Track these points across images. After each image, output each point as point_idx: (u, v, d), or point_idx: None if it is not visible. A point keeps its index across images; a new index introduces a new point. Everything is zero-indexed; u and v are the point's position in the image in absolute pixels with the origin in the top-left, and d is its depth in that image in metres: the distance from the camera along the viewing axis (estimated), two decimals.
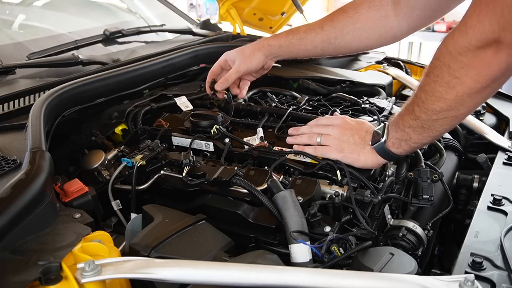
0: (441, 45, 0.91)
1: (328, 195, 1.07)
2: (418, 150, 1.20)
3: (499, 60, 0.83)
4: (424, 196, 1.07)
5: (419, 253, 1.01)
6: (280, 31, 2.57)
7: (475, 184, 1.31)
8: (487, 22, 0.80)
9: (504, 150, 1.29)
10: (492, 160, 1.27)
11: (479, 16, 0.81)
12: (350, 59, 1.98)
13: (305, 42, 1.34)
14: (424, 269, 1.10)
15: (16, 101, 1.34)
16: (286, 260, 0.91)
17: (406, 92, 1.77)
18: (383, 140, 1.05)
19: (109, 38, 1.83)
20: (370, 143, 1.08)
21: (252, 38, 2.17)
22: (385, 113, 1.39)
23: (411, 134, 1.01)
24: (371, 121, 1.30)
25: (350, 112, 1.39)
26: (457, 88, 0.89)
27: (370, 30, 1.29)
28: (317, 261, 0.92)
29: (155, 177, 1.14)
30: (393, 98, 1.55)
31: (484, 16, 0.81)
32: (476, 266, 0.83)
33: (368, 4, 1.28)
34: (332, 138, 1.13)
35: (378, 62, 1.91)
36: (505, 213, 1.00)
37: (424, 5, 1.21)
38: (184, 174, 1.11)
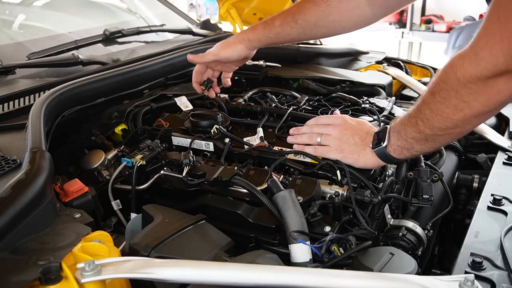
0: (447, 68, 0.90)
1: (328, 195, 1.07)
2: None
3: (510, 87, 0.83)
4: (424, 196, 1.06)
5: (419, 253, 1.01)
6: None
7: (475, 184, 1.31)
8: (501, 56, 0.80)
9: (504, 150, 1.29)
10: (492, 160, 1.27)
11: (493, 50, 0.81)
12: (350, 59, 1.98)
13: (282, 35, 1.36)
14: (424, 269, 1.10)
15: (16, 101, 1.34)
16: (286, 260, 0.91)
17: (406, 92, 1.77)
18: (384, 145, 1.05)
19: (109, 38, 1.83)
20: (371, 145, 1.08)
21: None
22: (385, 113, 1.39)
23: (413, 145, 1.02)
24: (371, 121, 1.30)
25: (350, 112, 1.39)
26: (465, 111, 0.90)
27: (344, 22, 1.32)
28: (317, 261, 0.92)
29: (155, 177, 1.14)
30: (393, 98, 1.55)
31: (498, 51, 0.80)
32: (476, 266, 0.83)
33: None
34: (332, 138, 1.13)
35: (378, 62, 1.91)
36: (505, 213, 1.00)
37: None
38: (184, 174, 1.11)
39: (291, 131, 1.25)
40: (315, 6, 1.31)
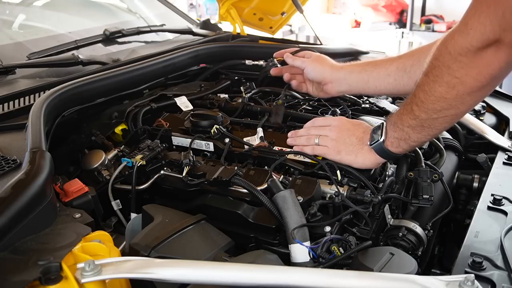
0: (440, 45, 0.91)
1: (328, 195, 1.07)
2: (418, 150, 1.20)
3: (499, 58, 0.84)
4: (424, 196, 1.06)
5: (419, 253, 1.01)
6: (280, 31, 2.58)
7: (475, 184, 1.31)
8: (489, 23, 0.81)
9: (504, 150, 1.29)
10: (492, 160, 1.27)
11: (480, 17, 0.82)
12: (350, 59, 1.98)
13: (378, 69, 1.26)
14: (424, 269, 1.10)
15: (16, 101, 1.34)
16: (286, 260, 0.91)
17: None
18: (381, 140, 1.05)
19: (109, 38, 1.83)
20: (368, 143, 1.08)
21: (252, 38, 2.17)
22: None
23: (410, 134, 1.01)
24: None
25: (350, 112, 1.38)
26: (457, 88, 0.90)
27: None
28: (317, 261, 0.92)
29: (155, 177, 1.14)
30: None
31: (485, 18, 0.81)
32: (476, 266, 0.83)
33: None
34: (329, 139, 1.13)
35: None
36: (505, 213, 1.00)
37: None
38: (184, 174, 1.11)
39: (290, 134, 1.25)
40: (425, 46, 1.24)
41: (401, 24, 6.66)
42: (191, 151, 1.17)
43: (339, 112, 1.38)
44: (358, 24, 7.10)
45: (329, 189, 1.07)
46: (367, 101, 1.46)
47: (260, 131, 1.29)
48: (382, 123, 1.08)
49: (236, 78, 1.82)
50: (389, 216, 1.05)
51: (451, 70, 0.89)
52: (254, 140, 1.27)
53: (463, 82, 0.89)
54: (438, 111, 0.95)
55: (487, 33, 0.81)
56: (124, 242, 0.98)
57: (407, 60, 1.24)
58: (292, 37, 6.30)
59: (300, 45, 1.95)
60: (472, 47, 0.84)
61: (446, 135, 1.40)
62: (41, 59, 1.59)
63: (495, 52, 0.83)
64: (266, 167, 1.17)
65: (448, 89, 0.91)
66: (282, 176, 1.11)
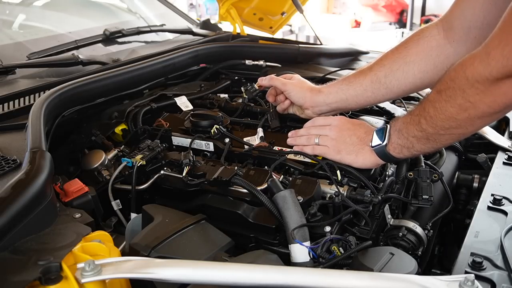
0: (458, 67, 0.90)
1: (328, 195, 1.07)
2: None
3: None
4: (423, 196, 1.06)
5: (419, 253, 1.01)
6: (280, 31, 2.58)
7: (475, 184, 1.31)
8: None
9: (504, 150, 1.29)
10: (492, 160, 1.27)
11: (504, 50, 0.81)
12: (350, 59, 1.99)
13: (354, 85, 1.23)
14: (424, 269, 1.10)
15: (16, 101, 1.35)
16: (286, 260, 0.91)
17: None
18: (384, 143, 1.05)
19: (109, 38, 1.83)
20: (371, 144, 1.08)
21: (252, 38, 2.18)
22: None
23: (414, 143, 1.02)
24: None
25: (350, 112, 1.38)
26: (469, 111, 0.90)
27: (423, 62, 1.17)
28: (317, 261, 0.92)
29: (155, 177, 1.14)
30: None
31: (509, 52, 0.80)
32: (476, 266, 0.83)
33: (416, 37, 1.20)
34: (330, 139, 1.13)
35: None
36: (505, 213, 1.00)
37: (482, 22, 1.07)
38: (184, 174, 1.11)
39: (290, 134, 1.24)
40: (393, 51, 1.22)
41: (401, 24, 6.67)
42: (191, 151, 1.17)
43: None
44: (358, 24, 7.11)
45: (329, 189, 1.07)
46: None
47: (260, 131, 1.29)
48: (386, 126, 1.08)
49: (236, 78, 1.82)
50: (389, 216, 1.06)
51: (465, 94, 0.88)
52: (254, 140, 1.27)
53: (476, 107, 0.88)
54: (446, 128, 0.95)
55: (509, 66, 0.81)
56: (124, 242, 0.98)
57: (379, 71, 1.21)
58: (292, 37, 6.30)
59: (300, 45, 1.95)
60: (491, 76, 0.83)
61: None
62: (41, 59, 1.59)
63: None
64: (266, 167, 1.17)
65: (460, 111, 0.91)
66: (282, 176, 1.11)
